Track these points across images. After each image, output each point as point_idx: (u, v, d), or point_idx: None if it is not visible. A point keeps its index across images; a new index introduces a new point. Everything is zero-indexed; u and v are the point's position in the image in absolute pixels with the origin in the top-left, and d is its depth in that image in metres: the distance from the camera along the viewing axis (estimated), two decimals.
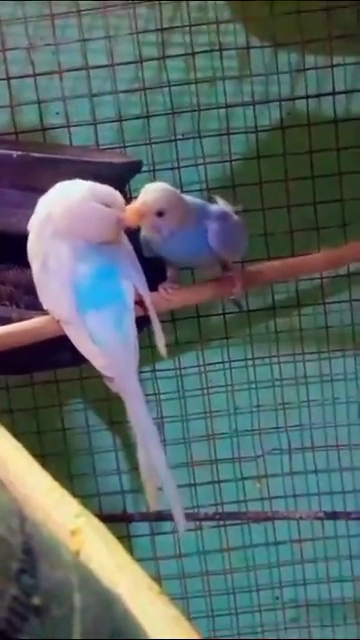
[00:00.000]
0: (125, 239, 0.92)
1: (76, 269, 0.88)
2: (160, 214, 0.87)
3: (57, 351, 0.96)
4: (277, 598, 1.42)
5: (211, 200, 0.99)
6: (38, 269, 0.89)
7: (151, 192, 0.88)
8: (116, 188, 0.89)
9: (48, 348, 0.93)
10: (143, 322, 0.92)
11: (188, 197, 0.94)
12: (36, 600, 0.32)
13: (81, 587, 0.35)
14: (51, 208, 0.88)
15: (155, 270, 0.94)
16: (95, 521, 0.54)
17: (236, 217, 0.96)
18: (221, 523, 1.39)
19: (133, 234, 0.91)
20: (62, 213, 0.87)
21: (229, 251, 0.93)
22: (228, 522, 1.39)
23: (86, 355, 0.88)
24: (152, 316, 0.91)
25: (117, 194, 0.88)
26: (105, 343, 0.88)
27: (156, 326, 0.92)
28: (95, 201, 0.87)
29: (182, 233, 0.89)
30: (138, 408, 0.90)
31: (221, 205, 0.98)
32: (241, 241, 0.97)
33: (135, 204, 0.87)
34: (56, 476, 0.63)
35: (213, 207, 0.94)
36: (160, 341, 0.92)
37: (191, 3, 1.24)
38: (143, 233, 0.91)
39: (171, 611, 0.45)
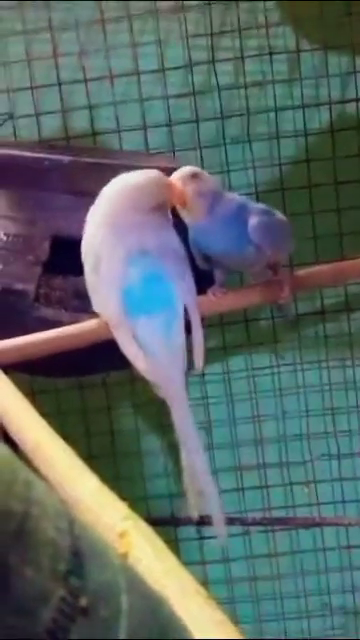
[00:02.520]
0: (178, 243, 0.92)
1: (127, 273, 0.88)
2: (194, 176, 0.89)
3: (107, 354, 0.96)
4: (325, 604, 1.41)
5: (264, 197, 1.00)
6: (90, 271, 0.89)
7: (181, 168, 0.91)
8: None
9: (98, 351, 0.94)
10: (191, 328, 0.92)
11: (229, 193, 0.95)
12: (83, 601, 0.32)
13: (128, 589, 0.35)
14: (106, 200, 0.89)
15: (204, 276, 0.94)
16: (143, 524, 0.54)
17: (281, 215, 0.96)
18: (269, 528, 1.38)
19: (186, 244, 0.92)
20: (117, 189, 0.88)
21: (271, 245, 0.93)
22: (276, 527, 1.38)
23: (130, 359, 0.89)
24: (194, 324, 0.91)
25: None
26: (153, 349, 0.88)
27: (197, 336, 0.91)
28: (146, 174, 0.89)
29: (221, 220, 0.90)
30: (182, 414, 0.89)
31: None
32: (284, 238, 0.96)
33: (172, 176, 0.89)
34: (104, 479, 0.63)
35: (254, 204, 0.95)
36: (199, 350, 0.91)
37: (241, 6, 1.24)
38: (187, 219, 0.91)
39: (218, 615, 0.45)
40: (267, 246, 0.92)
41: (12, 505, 0.32)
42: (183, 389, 0.89)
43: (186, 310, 0.90)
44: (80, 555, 0.34)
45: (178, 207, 0.90)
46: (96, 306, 0.90)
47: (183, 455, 0.90)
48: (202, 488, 0.90)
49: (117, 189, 0.88)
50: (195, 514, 0.93)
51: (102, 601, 0.33)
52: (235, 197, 0.94)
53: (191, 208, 0.90)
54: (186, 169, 0.90)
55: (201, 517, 1.14)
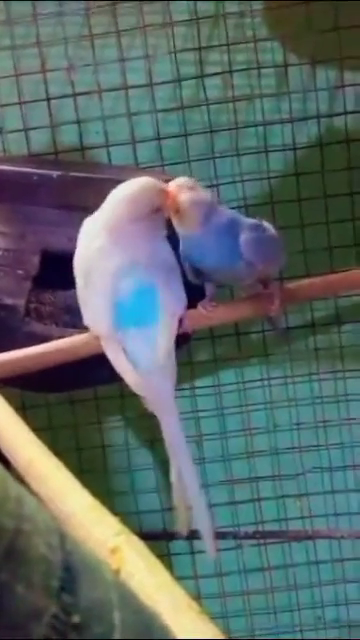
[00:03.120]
0: (170, 253, 0.92)
1: (118, 285, 0.88)
2: (191, 188, 0.89)
3: (97, 368, 0.96)
4: (319, 618, 1.41)
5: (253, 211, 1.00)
6: (82, 284, 0.89)
7: (177, 178, 0.91)
8: None
9: (88, 365, 0.94)
10: (182, 340, 0.92)
11: (222, 206, 0.95)
12: (76, 618, 0.32)
13: (121, 605, 0.35)
14: (101, 213, 0.89)
15: (194, 289, 0.94)
16: (135, 539, 0.54)
17: (273, 231, 0.96)
18: (261, 542, 1.38)
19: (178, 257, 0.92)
20: (113, 201, 0.88)
21: (262, 261, 0.93)
22: (268, 541, 1.38)
23: (120, 372, 0.88)
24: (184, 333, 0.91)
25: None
26: (142, 362, 0.88)
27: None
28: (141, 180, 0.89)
29: (213, 234, 0.90)
30: (172, 427, 0.89)
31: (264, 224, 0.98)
32: (276, 253, 0.96)
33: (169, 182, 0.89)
34: (96, 493, 0.63)
35: (246, 219, 0.94)
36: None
37: (228, 21, 1.25)
38: (180, 229, 0.91)
39: (211, 630, 0.45)
40: (258, 262, 0.92)
41: (3, 522, 0.32)
42: (173, 402, 0.89)
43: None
44: (72, 571, 0.34)
45: (172, 216, 0.89)
46: (87, 320, 0.90)
47: (173, 469, 0.90)
48: (191, 502, 0.90)
49: (113, 201, 0.88)
50: (184, 529, 0.93)
51: (94, 618, 0.33)
52: (227, 211, 0.94)
53: (184, 217, 0.90)
54: (182, 179, 0.91)
55: (193, 531, 1.14)
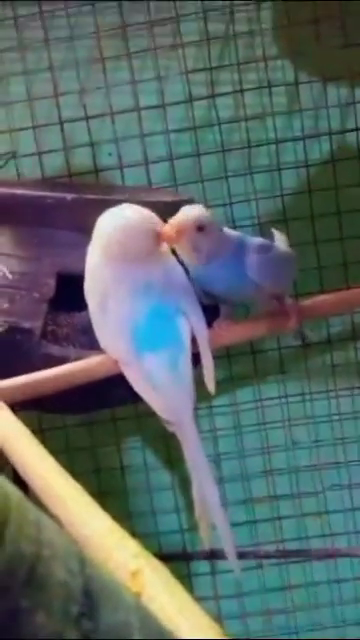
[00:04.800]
0: (184, 275, 0.92)
1: (133, 309, 0.88)
2: (200, 229, 0.87)
3: (114, 389, 0.96)
4: (342, 637, 1.39)
5: (268, 233, 0.99)
6: (96, 309, 0.89)
7: (189, 209, 0.88)
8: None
9: (105, 386, 0.94)
10: (198, 359, 0.92)
11: (225, 229, 0.94)
12: None
13: (142, 628, 0.35)
14: (100, 237, 0.88)
15: (209, 308, 0.94)
16: (155, 562, 0.54)
17: (281, 249, 0.95)
18: (282, 561, 1.37)
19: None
20: (105, 234, 0.88)
21: (270, 283, 0.92)
22: (289, 560, 1.37)
23: (143, 397, 0.89)
24: (204, 353, 0.91)
25: (151, 213, 0.88)
26: (161, 385, 0.88)
27: (207, 362, 0.91)
28: (133, 219, 0.87)
29: (220, 263, 0.89)
30: (193, 448, 0.89)
31: (276, 236, 0.98)
32: (285, 272, 0.95)
33: (175, 219, 0.87)
34: (115, 515, 0.63)
35: (253, 239, 0.93)
36: (209, 376, 0.91)
37: (238, 41, 1.26)
38: (184, 258, 0.90)
39: None
40: (267, 283, 0.91)
41: (23, 548, 0.32)
42: (193, 422, 0.89)
43: (193, 342, 0.90)
44: (92, 596, 0.33)
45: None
46: (104, 344, 0.90)
47: (194, 488, 0.90)
48: (214, 521, 0.89)
49: (111, 229, 0.88)
50: (207, 547, 0.93)
51: None
52: (233, 235, 0.93)
53: (185, 256, 0.90)
54: (190, 217, 0.87)
55: (212, 551, 1.14)
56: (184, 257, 0.90)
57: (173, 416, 0.89)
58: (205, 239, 0.87)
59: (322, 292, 1.17)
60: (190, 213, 0.87)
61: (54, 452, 0.75)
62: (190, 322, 0.90)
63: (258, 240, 0.93)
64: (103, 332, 0.90)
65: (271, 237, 0.98)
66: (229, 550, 0.89)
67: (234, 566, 0.90)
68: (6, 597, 0.30)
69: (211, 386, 0.91)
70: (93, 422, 1.30)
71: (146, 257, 0.87)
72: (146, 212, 0.88)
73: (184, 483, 1.33)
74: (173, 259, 0.90)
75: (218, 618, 1.30)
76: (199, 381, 0.92)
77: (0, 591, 0.29)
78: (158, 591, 0.50)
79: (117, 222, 0.87)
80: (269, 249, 0.93)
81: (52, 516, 0.62)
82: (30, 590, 0.31)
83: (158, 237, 0.87)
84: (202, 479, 0.89)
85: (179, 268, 0.91)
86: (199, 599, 0.51)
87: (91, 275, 0.89)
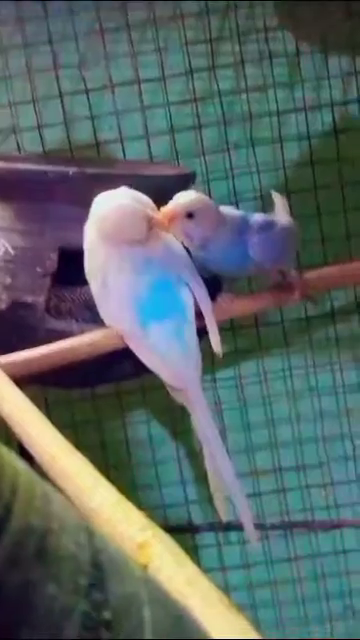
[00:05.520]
0: (182, 248, 0.92)
1: (135, 283, 0.88)
2: (190, 216, 0.87)
3: (119, 363, 0.97)
4: (348, 607, 1.40)
5: (269, 199, 0.99)
6: (98, 286, 0.90)
7: (181, 196, 0.88)
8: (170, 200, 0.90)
9: (109, 361, 0.94)
10: (204, 331, 0.92)
11: (227, 208, 0.94)
12: (107, 615, 0.32)
13: (150, 601, 0.35)
14: (95, 221, 0.89)
15: (212, 281, 0.94)
16: (162, 534, 0.54)
17: (283, 223, 0.95)
18: (288, 532, 1.38)
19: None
20: (99, 219, 0.88)
21: (272, 261, 0.92)
22: (295, 531, 1.38)
23: (151, 368, 0.89)
24: (208, 319, 0.91)
25: (147, 198, 0.89)
26: (168, 354, 0.89)
27: (211, 327, 0.91)
28: (126, 206, 0.88)
29: (218, 246, 0.89)
30: (203, 418, 0.90)
31: (276, 201, 0.98)
32: (287, 248, 0.95)
33: (165, 207, 0.87)
34: (121, 488, 0.63)
35: (253, 217, 0.93)
36: (215, 340, 0.91)
37: (238, 12, 1.24)
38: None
39: (241, 623, 0.45)
40: (268, 262, 0.92)
41: (32, 521, 0.32)
42: (201, 391, 0.90)
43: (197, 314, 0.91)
44: (101, 568, 0.34)
45: None
46: (107, 319, 0.91)
47: (206, 460, 0.90)
48: (228, 490, 0.90)
49: (105, 214, 0.88)
50: (224, 519, 0.93)
51: (125, 614, 0.33)
52: (233, 215, 0.92)
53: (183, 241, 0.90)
54: (179, 205, 0.88)
55: (218, 523, 1.14)
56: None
57: (181, 383, 0.89)
58: (197, 225, 0.87)
59: (325, 264, 1.17)
60: (180, 201, 0.88)
61: (59, 426, 0.75)
62: (192, 291, 0.90)
63: (259, 218, 0.93)
64: (106, 308, 0.90)
65: (271, 203, 0.98)
66: (246, 520, 0.89)
67: (251, 536, 0.91)
68: (17, 570, 0.30)
69: (218, 349, 0.91)
70: (98, 396, 1.31)
71: (142, 238, 0.88)
72: (140, 197, 0.88)
73: (189, 455, 1.34)
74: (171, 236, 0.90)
75: (225, 589, 1.31)
76: (203, 353, 0.93)
77: (10, 564, 0.30)
78: (165, 563, 0.50)
79: (111, 208, 0.88)
80: (271, 226, 0.92)
81: (59, 490, 0.63)
82: (40, 563, 0.31)
83: (151, 222, 0.87)
84: (213, 448, 0.89)
85: (178, 244, 0.91)
86: (205, 570, 0.51)
87: (89, 255, 0.90)
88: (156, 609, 0.35)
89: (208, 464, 0.91)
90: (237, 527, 1.04)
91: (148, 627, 0.34)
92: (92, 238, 0.89)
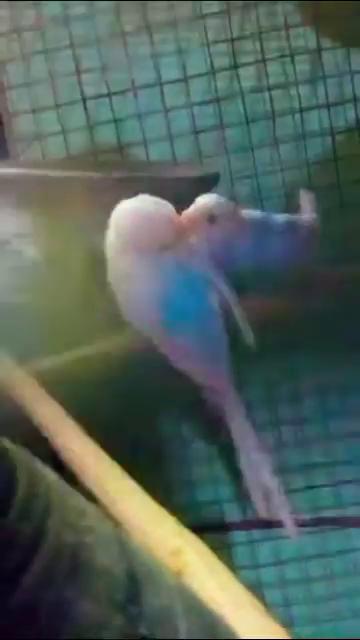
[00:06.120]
0: (205, 251, 0.92)
1: (163, 288, 0.88)
2: (211, 220, 0.87)
3: None
4: None
5: (295, 195, 0.98)
6: (124, 294, 0.90)
7: (202, 200, 0.88)
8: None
9: None
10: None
11: (248, 211, 0.94)
12: (142, 629, 0.32)
13: (185, 611, 0.35)
14: (118, 231, 0.89)
15: (237, 283, 0.94)
16: (195, 540, 0.55)
17: (307, 223, 0.95)
18: (320, 528, 1.37)
19: None
20: (123, 228, 0.88)
21: (295, 263, 0.92)
22: (327, 527, 1.38)
23: (183, 369, 0.90)
24: (238, 314, 0.90)
25: (166, 203, 0.89)
26: (198, 355, 0.89)
27: (240, 318, 0.90)
28: (150, 208, 0.88)
29: (241, 246, 0.89)
30: (235, 414, 0.90)
31: (302, 199, 0.97)
32: (310, 250, 0.95)
33: (186, 212, 0.87)
34: (152, 487, 0.63)
35: (276, 220, 0.92)
36: (246, 330, 0.91)
37: (260, 10, 1.24)
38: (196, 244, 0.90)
39: (275, 629, 0.45)
40: (291, 264, 0.92)
41: (66, 537, 0.32)
42: (232, 390, 0.90)
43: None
44: (136, 580, 0.34)
45: None
46: (135, 324, 0.91)
47: (242, 458, 0.90)
48: (266, 488, 0.90)
49: (127, 223, 0.88)
50: (263, 515, 0.93)
51: (160, 626, 0.33)
52: (255, 218, 0.92)
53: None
54: (200, 209, 0.88)
55: (255, 520, 1.14)
56: (197, 243, 0.90)
57: (213, 383, 0.90)
58: (218, 230, 0.87)
59: (350, 261, 1.17)
60: (201, 204, 0.88)
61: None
62: (219, 292, 0.91)
63: (281, 219, 0.93)
64: (135, 315, 0.91)
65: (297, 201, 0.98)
66: (285, 517, 0.90)
67: (291, 532, 0.91)
68: (51, 588, 0.30)
69: (250, 339, 0.90)
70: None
71: (168, 244, 0.88)
72: (161, 202, 0.88)
73: (223, 453, 1.34)
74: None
75: (258, 587, 1.32)
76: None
77: (44, 583, 0.30)
78: (199, 569, 0.51)
79: (136, 216, 0.88)
80: (293, 227, 0.92)
81: (91, 496, 0.63)
82: (74, 579, 0.31)
83: (173, 229, 0.87)
84: (249, 445, 0.90)
85: (199, 242, 0.91)
86: (238, 568, 0.52)
87: (113, 264, 0.90)
88: (191, 619, 0.35)
89: (243, 462, 0.91)
90: (269, 524, 1.04)
91: (183, 638, 0.34)
92: (115, 247, 0.89)
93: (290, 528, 0.90)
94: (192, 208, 0.87)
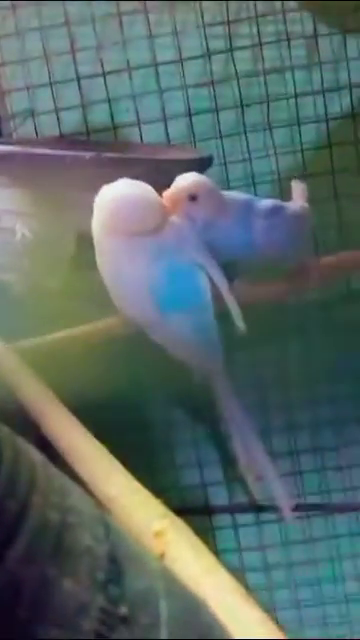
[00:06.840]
0: (191, 232, 0.91)
1: (151, 271, 0.88)
2: (192, 198, 0.87)
3: None
4: None
5: (287, 184, 0.98)
6: (111, 277, 0.89)
7: (183, 179, 0.88)
8: None
9: None
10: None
11: (232, 193, 0.93)
12: (123, 609, 0.32)
13: (167, 594, 0.35)
14: (104, 215, 0.88)
15: (227, 268, 0.94)
16: (179, 522, 0.55)
17: (294, 209, 0.94)
18: (304, 514, 1.38)
19: None
20: (108, 212, 0.88)
21: (279, 249, 0.91)
22: (311, 513, 1.38)
23: (173, 353, 0.89)
24: (227, 298, 0.90)
25: (150, 187, 0.88)
26: (189, 339, 0.89)
27: (231, 304, 0.90)
28: (136, 192, 0.87)
29: (222, 227, 0.88)
30: (228, 399, 0.90)
31: (294, 189, 0.97)
32: (296, 237, 0.94)
33: (168, 191, 0.87)
34: (137, 470, 0.63)
35: (260, 203, 0.92)
36: (237, 315, 0.91)
37: None
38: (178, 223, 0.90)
39: (257, 613, 0.45)
40: (274, 249, 0.91)
41: (49, 516, 0.32)
42: (225, 375, 0.90)
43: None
44: (117, 562, 0.34)
45: None
46: (124, 309, 0.91)
47: (235, 441, 0.90)
48: (260, 470, 0.90)
49: (113, 206, 0.87)
50: (258, 498, 0.93)
51: (142, 608, 0.33)
52: (238, 199, 0.92)
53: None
54: (181, 187, 0.87)
55: (233, 505, 1.14)
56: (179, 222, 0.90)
57: (204, 366, 0.90)
58: (199, 208, 0.87)
59: (343, 249, 1.17)
60: (181, 183, 0.87)
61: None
62: (208, 274, 0.90)
63: (266, 203, 0.92)
64: (123, 298, 0.90)
65: (290, 186, 0.97)
66: (280, 499, 0.90)
67: (286, 515, 0.91)
68: (34, 566, 0.30)
69: (240, 323, 0.90)
70: None
71: (154, 227, 0.87)
72: (144, 186, 0.88)
73: (206, 437, 1.34)
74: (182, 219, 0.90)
75: (241, 570, 1.32)
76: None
77: (27, 561, 0.30)
78: (182, 552, 0.51)
79: (121, 200, 0.87)
80: (278, 212, 0.91)
81: (76, 477, 0.63)
82: (57, 558, 0.31)
83: (158, 212, 0.87)
84: (241, 429, 0.90)
85: (188, 228, 0.91)
86: (221, 552, 0.52)
87: (100, 247, 0.89)
88: (172, 602, 0.35)
89: (237, 446, 0.91)
90: (253, 509, 1.04)
91: (164, 621, 0.34)
92: (101, 231, 0.89)
93: (285, 511, 0.90)
94: (172, 187, 0.87)
